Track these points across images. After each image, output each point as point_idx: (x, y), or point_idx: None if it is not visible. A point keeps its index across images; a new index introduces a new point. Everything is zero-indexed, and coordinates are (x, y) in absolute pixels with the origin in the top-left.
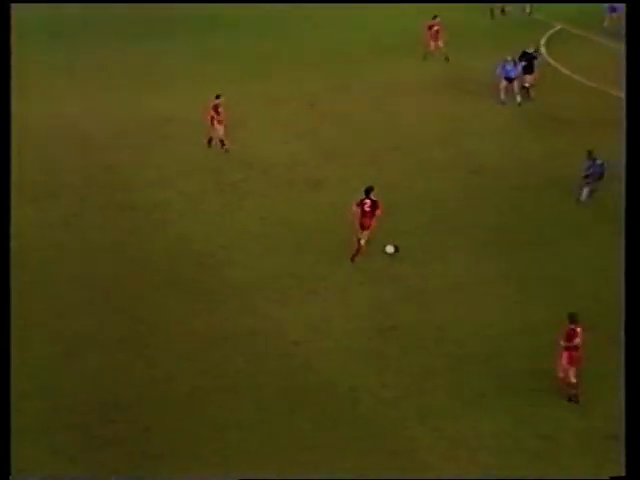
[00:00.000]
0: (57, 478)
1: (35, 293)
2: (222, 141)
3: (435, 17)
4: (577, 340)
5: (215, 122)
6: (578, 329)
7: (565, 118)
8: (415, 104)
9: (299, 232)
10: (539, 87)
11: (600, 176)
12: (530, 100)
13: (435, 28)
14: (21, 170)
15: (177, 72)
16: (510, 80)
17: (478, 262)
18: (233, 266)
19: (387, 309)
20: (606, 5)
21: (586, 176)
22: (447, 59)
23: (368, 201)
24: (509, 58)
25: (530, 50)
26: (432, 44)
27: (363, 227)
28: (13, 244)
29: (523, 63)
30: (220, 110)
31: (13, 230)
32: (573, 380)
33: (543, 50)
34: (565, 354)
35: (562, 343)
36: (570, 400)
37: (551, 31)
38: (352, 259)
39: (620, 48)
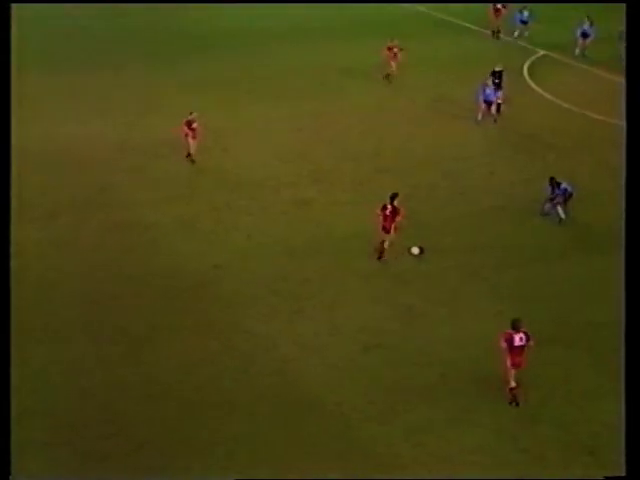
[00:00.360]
0: (57, 478)
1: (34, 310)
2: (189, 155)
3: (393, 39)
4: (516, 344)
5: (189, 138)
6: (517, 335)
7: (546, 141)
8: (401, 127)
9: (287, 251)
10: (523, 111)
11: (569, 196)
12: (500, 115)
13: (394, 50)
14: (20, 190)
15: (167, 96)
16: (489, 104)
17: (463, 281)
18: (226, 284)
19: (374, 327)
20: (578, 31)
21: (552, 199)
22: (389, 77)
23: (390, 207)
24: (489, 82)
25: (498, 68)
26: (392, 64)
27: (385, 230)
28: (13, 263)
29: (497, 80)
30: (194, 126)
31: (13, 249)
32: (512, 384)
33: (526, 75)
34: (509, 358)
35: (501, 346)
36: (511, 403)
37: (534, 57)
38: (378, 258)
39: (601, 74)
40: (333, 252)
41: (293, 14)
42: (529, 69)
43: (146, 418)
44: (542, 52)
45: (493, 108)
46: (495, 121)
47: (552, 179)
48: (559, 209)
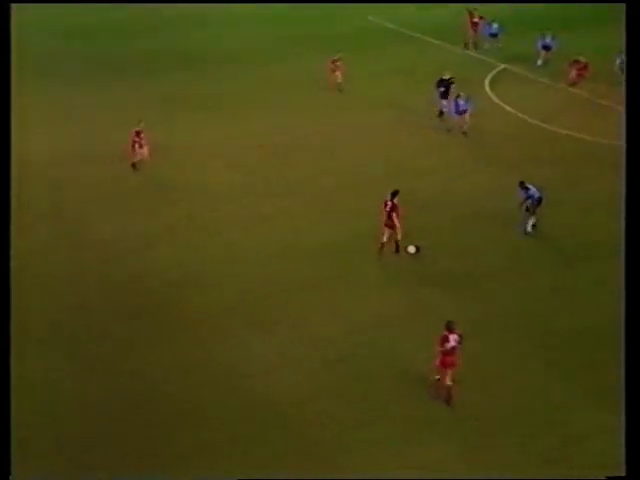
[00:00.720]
0: (56, 477)
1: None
2: (134, 164)
3: (338, 53)
4: (450, 345)
5: (137, 146)
6: (451, 335)
7: (507, 154)
8: (365, 141)
9: (252, 267)
10: (485, 123)
11: (539, 202)
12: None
13: (337, 63)
14: None
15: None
16: (461, 114)
17: (425, 295)
18: (196, 297)
19: (340, 340)
20: (539, 43)
21: (524, 205)
22: (340, 88)
23: (390, 203)
24: (462, 94)
25: (446, 77)
26: (332, 76)
27: (387, 226)
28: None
29: (444, 89)
30: (142, 135)
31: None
32: (449, 383)
33: (487, 88)
34: (439, 358)
35: (437, 348)
36: (447, 402)
37: (495, 71)
38: (379, 252)
39: (562, 87)
40: (300, 265)
41: (248, 33)
42: (490, 82)
43: (121, 430)
44: (503, 65)
45: (465, 118)
46: (464, 133)
47: (522, 183)
48: (530, 218)
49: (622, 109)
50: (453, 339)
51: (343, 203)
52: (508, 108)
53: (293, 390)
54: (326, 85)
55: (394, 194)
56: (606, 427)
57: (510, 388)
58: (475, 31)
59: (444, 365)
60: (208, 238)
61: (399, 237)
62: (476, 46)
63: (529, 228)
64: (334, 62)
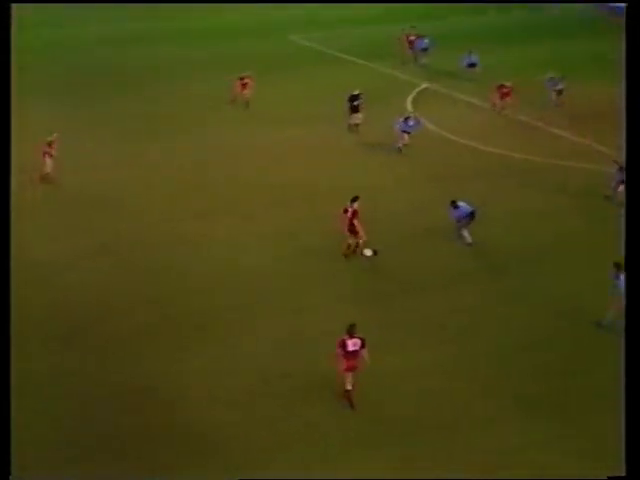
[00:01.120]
0: (57, 478)
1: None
2: (43, 176)
3: (246, 72)
4: (349, 349)
5: (47, 156)
6: (351, 340)
7: (435, 172)
8: (295, 159)
9: (187, 287)
10: (414, 144)
11: (471, 216)
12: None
13: (245, 80)
14: None
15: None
16: (407, 132)
17: (361, 310)
18: (126, 318)
19: (279, 356)
20: (465, 61)
21: (458, 221)
22: (247, 105)
23: (351, 209)
24: (412, 115)
25: (356, 92)
26: (239, 93)
27: (349, 231)
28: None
29: (355, 103)
30: (53, 146)
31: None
32: (348, 387)
33: (410, 108)
34: (343, 362)
35: (337, 351)
36: (351, 406)
37: (417, 89)
38: (345, 256)
39: (484, 105)
40: (236, 287)
41: (170, 50)
42: (413, 100)
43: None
44: (425, 84)
45: (405, 137)
46: (400, 150)
47: (453, 202)
48: (465, 233)
49: (553, 129)
50: (353, 343)
51: (271, 223)
52: (430, 126)
53: (217, 414)
54: (235, 102)
55: (354, 200)
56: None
57: (442, 402)
58: (411, 49)
59: (348, 369)
60: (131, 260)
61: (361, 242)
62: (414, 61)
63: (469, 240)
64: (242, 79)
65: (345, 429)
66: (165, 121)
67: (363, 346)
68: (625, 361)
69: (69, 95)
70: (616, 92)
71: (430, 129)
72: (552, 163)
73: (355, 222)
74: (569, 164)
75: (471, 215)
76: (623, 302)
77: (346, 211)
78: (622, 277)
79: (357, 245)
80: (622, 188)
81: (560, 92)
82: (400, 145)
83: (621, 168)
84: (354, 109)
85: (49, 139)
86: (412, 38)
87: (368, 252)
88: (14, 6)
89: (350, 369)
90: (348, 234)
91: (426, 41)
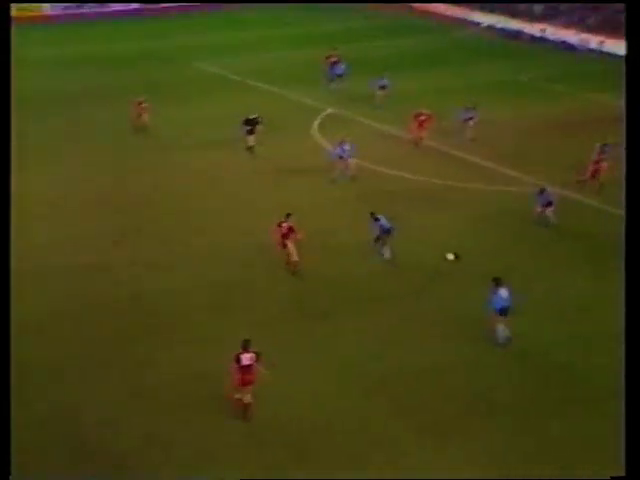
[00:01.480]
0: (56, 477)
1: None
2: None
3: (142, 95)
4: (243, 363)
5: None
6: (245, 355)
7: (340, 195)
8: (186, 183)
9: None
10: (309, 166)
11: (388, 232)
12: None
13: (142, 105)
14: None
15: None
16: (345, 159)
17: (276, 333)
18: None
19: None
20: (376, 83)
21: (377, 236)
22: (145, 130)
23: (285, 225)
24: (347, 140)
25: (252, 116)
26: (138, 119)
27: (282, 245)
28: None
29: (251, 126)
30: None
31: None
32: (247, 401)
33: (316, 132)
34: (237, 376)
35: (232, 365)
36: (244, 418)
37: (322, 114)
38: (292, 272)
39: (391, 131)
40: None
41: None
42: (319, 125)
43: None
44: (329, 109)
45: (348, 162)
46: (352, 177)
47: (372, 214)
48: (385, 249)
49: (456, 153)
50: (247, 358)
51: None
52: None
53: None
54: (134, 127)
55: (288, 215)
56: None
57: (354, 423)
58: (330, 71)
59: (244, 383)
60: (30, 289)
61: (295, 258)
62: (328, 84)
63: (387, 255)
64: (140, 104)
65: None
66: (68, 147)
67: (257, 360)
68: (625, 361)
69: None
70: (521, 114)
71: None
72: (459, 186)
73: (290, 237)
74: (476, 186)
75: (388, 231)
76: (498, 318)
77: (280, 225)
78: (500, 292)
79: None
80: (550, 210)
81: (470, 120)
82: (336, 175)
83: (542, 191)
84: (249, 132)
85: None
86: (333, 60)
87: (450, 256)
88: None
89: (246, 383)
90: (280, 248)
91: (342, 67)
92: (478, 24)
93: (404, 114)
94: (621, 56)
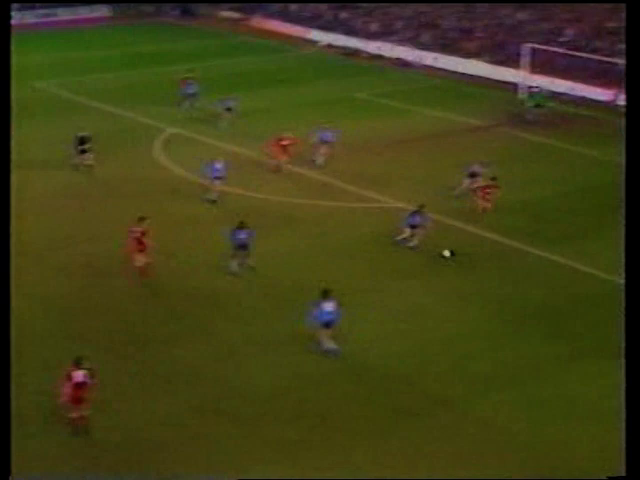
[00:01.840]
0: (57, 477)
1: None
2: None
3: None
4: (77, 380)
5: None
6: (77, 372)
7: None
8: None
9: None
10: (149, 185)
11: (245, 246)
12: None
13: None
14: None
15: None
16: (219, 179)
17: (109, 361)
18: None
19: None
20: (222, 104)
21: (236, 247)
22: None
23: (140, 229)
24: (220, 159)
25: (83, 134)
26: None
27: (139, 250)
28: None
29: (83, 145)
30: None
31: None
32: (78, 414)
33: (157, 152)
34: (66, 391)
35: (63, 382)
36: (75, 434)
37: (165, 134)
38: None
39: (234, 149)
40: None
41: None
42: (163, 147)
43: None
44: (173, 130)
45: (217, 184)
46: (214, 201)
47: (241, 222)
48: (239, 265)
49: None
50: (80, 375)
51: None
52: (177, 170)
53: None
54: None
55: (141, 219)
56: None
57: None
58: (183, 85)
59: (75, 401)
60: None
61: (150, 260)
62: (179, 105)
63: (233, 269)
64: None
65: None
66: None
67: (92, 377)
68: (625, 362)
69: None
70: (360, 131)
71: (177, 173)
72: (307, 204)
73: (145, 241)
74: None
75: (245, 247)
76: (322, 331)
77: (133, 231)
78: (325, 305)
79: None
80: (418, 232)
81: (330, 146)
82: (210, 196)
83: (414, 212)
84: (82, 151)
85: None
86: (187, 81)
87: (447, 253)
88: None
89: (77, 400)
90: (136, 254)
91: (194, 86)
92: (317, 42)
93: (251, 134)
94: (454, 72)
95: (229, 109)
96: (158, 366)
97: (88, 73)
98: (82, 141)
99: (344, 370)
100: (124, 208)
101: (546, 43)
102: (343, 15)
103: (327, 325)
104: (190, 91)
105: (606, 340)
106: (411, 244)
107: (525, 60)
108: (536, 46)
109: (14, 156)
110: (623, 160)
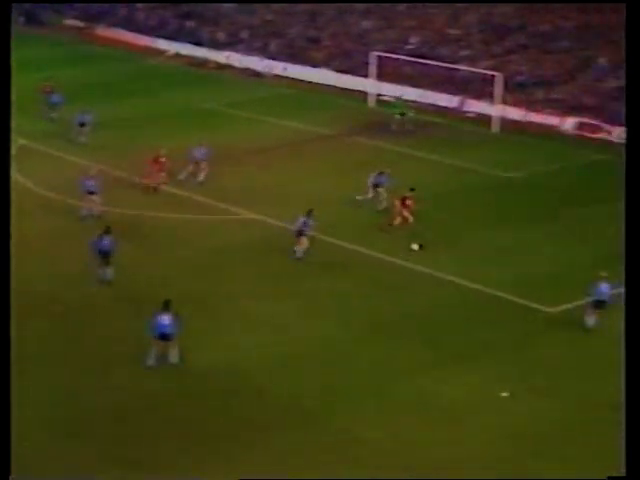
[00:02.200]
0: (57, 478)
1: None
2: None
3: None
4: None
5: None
6: None
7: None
8: None
9: None
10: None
11: (107, 254)
12: None
13: None
14: None
15: None
16: (92, 193)
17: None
18: None
19: None
20: (77, 119)
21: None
22: None
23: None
24: (92, 173)
25: None
26: None
27: None
28: None
29: None
30: None
31: None
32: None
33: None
34: None
35: None
36: None
37: (15, 146)
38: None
39: (86, 163)
40: None
41: None
42: (15, 159)
43: None
44: (22, 141)
45: (94, 198)
46: (90, 217)
47: (107, 227)
48: (105, 272)
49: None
50: None
51: None
52: (28, 184)
53: None
54: None
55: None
56: None
57: None
58: (46, 94)
59: None
60: None
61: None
62: (44, 115)
63: (108, 277)
64: None
65: None
66: None
67: None
68: (625, 362)
69: None
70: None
71: (28, 187)
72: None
73: None
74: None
75: (107, 254)
76: (158, 342)
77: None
78: (162, 317)
79: None
80: (303, 240)
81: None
82: (87, 212)
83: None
84: None
85: None
86: (48, 90)
87: (415, 246)
88: None
89: None
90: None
91: (56, 96)
92: (164, 52)
93: (103, 147)
94: (304, 81)
95: (83, 124)
96: None
97: None
98: None
99: (190, 385)
100: None
101: (392, 51)
102: (189, 24)
103: (163, 337)
104: (54, 100)
105: (464, 345)
106: (298, 255)
107: (372, 68)
108: (382, 54)
109: None
110: (476, 166)
